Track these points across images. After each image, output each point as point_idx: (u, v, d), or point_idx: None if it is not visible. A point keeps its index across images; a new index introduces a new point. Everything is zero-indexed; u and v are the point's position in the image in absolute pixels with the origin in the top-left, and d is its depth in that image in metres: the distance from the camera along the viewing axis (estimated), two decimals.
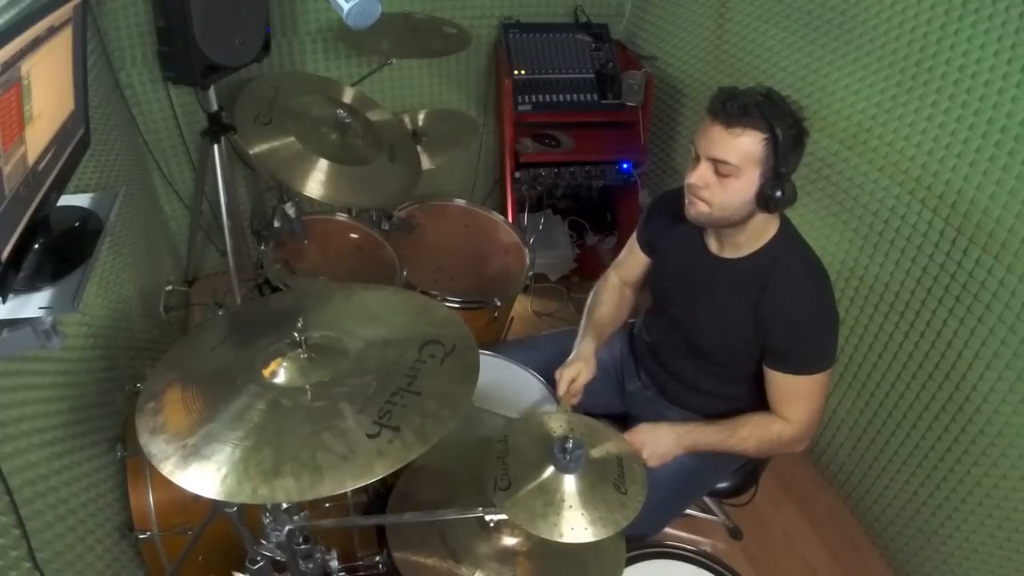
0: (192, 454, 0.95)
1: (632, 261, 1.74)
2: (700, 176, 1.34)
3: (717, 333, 1.51)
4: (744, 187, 1.32)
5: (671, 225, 1.57)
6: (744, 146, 1.29)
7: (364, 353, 1.11)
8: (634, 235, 1.72)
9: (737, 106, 1.27)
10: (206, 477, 0.93)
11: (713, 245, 1.50)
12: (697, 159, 1.35)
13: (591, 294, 1.79)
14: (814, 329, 1.41)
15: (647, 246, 1.69)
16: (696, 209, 1.39)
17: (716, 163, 1.32)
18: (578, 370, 1.58)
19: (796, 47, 2.12)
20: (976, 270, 1.62)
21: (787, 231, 1.45)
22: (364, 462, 0.94)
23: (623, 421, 1.76)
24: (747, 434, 1.49)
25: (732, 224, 1.40)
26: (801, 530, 2.13)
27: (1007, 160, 1.53)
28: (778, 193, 1.31)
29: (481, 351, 1.80)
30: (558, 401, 1.61)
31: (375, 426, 0.98)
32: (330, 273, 2.05)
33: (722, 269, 1.48)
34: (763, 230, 1.42)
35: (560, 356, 1.66)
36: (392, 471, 0.95)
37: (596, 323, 1.70)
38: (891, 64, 1.80)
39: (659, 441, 1.50)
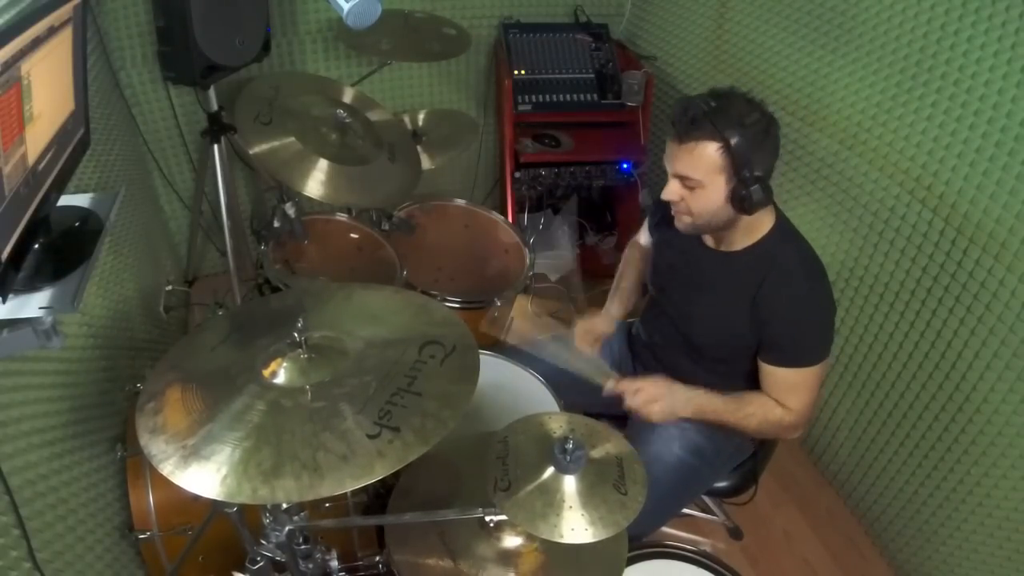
0: (192, 454, 0.95)
1: (645, 237, 1.82)
2: (670, 192, 1.40)
3: (713, 328, 1.52)
4: (713, 195, 1.35)
5: (670, 220, 1.58)
6: (700, 159, 1.31)
7: (364, 353, 1.11)
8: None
9: (686, 120, 1.30)
10: (206, 477, 0.93)
11: (710, 240, 1.52)
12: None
13: (622, 261, 1.89)
14: (811, 323, 1.42)
15: (654, 230, 1.72)
16: (682, 222, 1.44)
17: (681, 178, 1.36)
18: (593, 322, 1.73)
19: (796, 47, 2.12)
20: (976, 270, 1.62)
21: (783, 226, 1.46)
22: (364, 462, 0.94)
23: (623, 421, 1.76)
24: (752, 412, 1.49)
25: (722, 227, 1.43)
26: (801, 530, 2.13)
27: (1007, 160, 1.53)
28: (747, 194, 1.32)
29: (481, 351, 1.81)
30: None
31: (375, 427, 0.98)
32: (330, 273, 2.05)
33: (719, 263, 1.49)
34: (755, 226, 1.43)
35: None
36: (392, 472, 0.95)
37: (622, 291, 1.82)
38: (891, 64, 1.80)
39: (671, 393, 1.51)
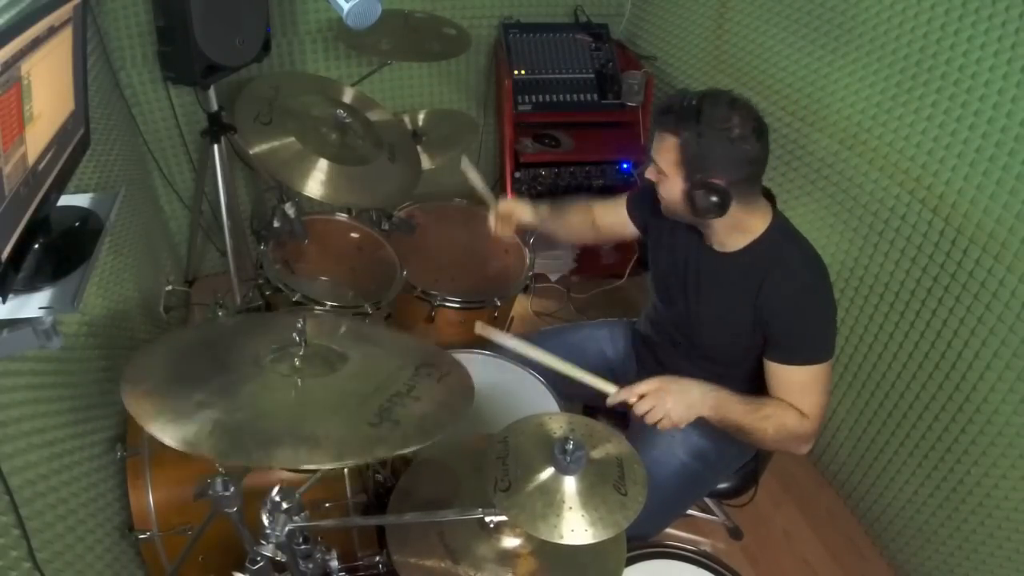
0: (185, 416, 0.96)
1: (611, 212, 1.77)
2: (649, 171, 1.43)
3: (715, 329, 1.51)
4: (674, 188, 1.37)
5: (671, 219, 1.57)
6: (662, 149, 1.35)
7: (363, 363, 1.12)
8: (625, 197, 1.74)
9: (662, 108, 1.33)
10: (198, 433, 0.93)
11: (709, 241, 1.50)
12: None
13: (578, 207, 1.85)
14: (816, 318, 1.41)
15: (641, 222, 1.70)
16: (661, 203, 1.46)
17: (654, 162, 1.39)
18: (514, 206, 1.78)
19: (796, 47, 2.12)
20: (976, 270, 1.62)
21: (782, 225, 1.45)
22: (364, 444, 0.95)
23: (624, 420, 1.76)
24: (770, 413, 1.40)
25: (694, 220, 1.42)
26: (801, 530, 2.13)
27: (1007, 160, 1.53)
28: (695, 197, 1.33)
29: (481, 352, 1.81)
30: None
31: (376, 417, 0.99)
32: (330, 273, 2.04)
33: (720, 264, 1.48)
34: (745, 226, 1.42)
35: (566, 351, 1.66)
36: (392, 455, 0.95)
37: (562, 214, 1.81)
38: (891, 64, 1.80)
39: (685, 390, 1.40)
